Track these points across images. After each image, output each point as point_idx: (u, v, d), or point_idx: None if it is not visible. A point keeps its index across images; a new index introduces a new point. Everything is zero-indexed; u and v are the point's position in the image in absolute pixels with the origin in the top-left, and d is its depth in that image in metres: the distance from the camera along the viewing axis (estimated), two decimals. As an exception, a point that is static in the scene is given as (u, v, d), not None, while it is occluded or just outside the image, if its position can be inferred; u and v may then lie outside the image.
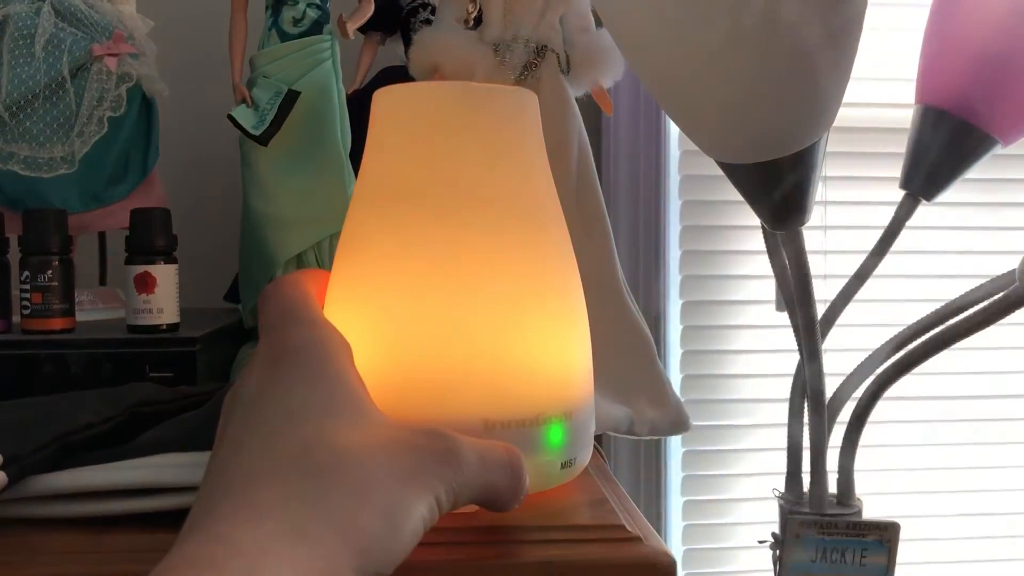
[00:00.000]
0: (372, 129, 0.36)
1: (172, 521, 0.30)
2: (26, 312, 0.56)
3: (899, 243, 0.74)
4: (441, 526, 0.27)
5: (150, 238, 0.57)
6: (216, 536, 0.23)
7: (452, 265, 0.33)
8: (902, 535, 0.67)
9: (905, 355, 0.69)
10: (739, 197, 0.57)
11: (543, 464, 0.34)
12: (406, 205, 0.34)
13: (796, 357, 0.71)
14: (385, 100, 0.36)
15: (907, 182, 0.74)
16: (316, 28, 0.63)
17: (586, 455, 0.37)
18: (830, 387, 0.70)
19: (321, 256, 0.63)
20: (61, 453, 0.36)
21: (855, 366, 0.74)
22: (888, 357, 0.72)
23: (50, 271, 0.56)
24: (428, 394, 0.32)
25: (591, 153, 0.59)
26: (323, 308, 0.34)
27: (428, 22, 0.71)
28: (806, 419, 0.70)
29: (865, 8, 0.51)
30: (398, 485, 0.26)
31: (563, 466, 0.35)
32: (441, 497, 0.27)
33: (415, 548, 0.26)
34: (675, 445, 1.01)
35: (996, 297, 0.65)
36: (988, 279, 0.70)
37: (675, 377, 1.00)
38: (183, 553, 0.23)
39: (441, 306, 0.33)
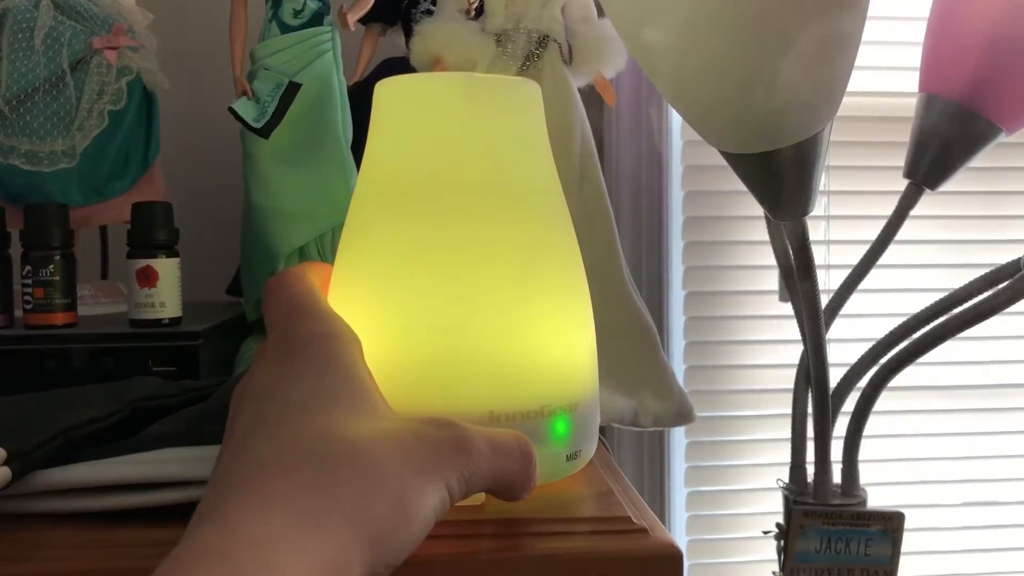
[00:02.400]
0: (373, 121, 0.36)
1: (177, 515, 0.30)
2: (28, 307, 0.56)
3: (902, 232, 0.74)
4: (445, 518, 0.27)
5: (152, 232, 0.57)
6: (226, 528, 0.23)
7: (455, 257, 0.33)
8: (906, 525, 0.67)
9: (909, 345, 0.69)
10: (742, 187, 0.57)
11: (549, 456, 0.33)
12: (408, 197, 0.34)
13: (800, 347, 0.70)
14: (386, 91, 0.36)
15: (911, 171, 0.73)
16: (317, 20, 0.63)
17: (591, 447, 0.37)
18: (834, 377, 0.70)
19: (323, 249, 0.63)
20: (65, 448, 0.36)
21: (859, 356, 0.74)
22: (892, 347, 0.72)
23: (52, 266, 0.56)
24: (433, 386, 0.32)
25: (594, 144, 0.59)
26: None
27: (429, 13, 0.70)
28: (810, 409, 0.70)
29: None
30: (409, 475, 0.26)
31: (568, 458, 0.35)
32: (453, 485, 0.27)
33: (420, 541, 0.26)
34: (679, 436, 1.01)
35: (1001, 286, 0.65)
36: (992, 268, 0.69)
37: (679, 368, 1.00)
38: (193, 545, 0.23)
39: (445, 298, 0.32)
